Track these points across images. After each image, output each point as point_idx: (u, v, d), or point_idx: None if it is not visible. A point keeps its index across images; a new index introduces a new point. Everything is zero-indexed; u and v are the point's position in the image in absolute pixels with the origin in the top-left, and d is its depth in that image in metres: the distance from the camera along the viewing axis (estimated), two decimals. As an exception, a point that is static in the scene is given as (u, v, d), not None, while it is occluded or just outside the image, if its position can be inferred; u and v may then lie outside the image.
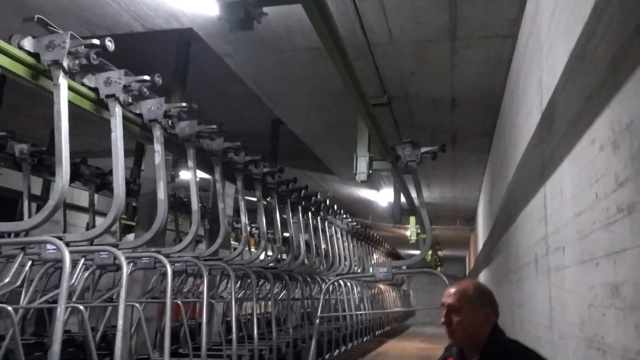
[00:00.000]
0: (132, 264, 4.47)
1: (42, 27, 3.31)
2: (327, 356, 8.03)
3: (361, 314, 10.60)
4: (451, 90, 4.89)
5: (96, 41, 3.39)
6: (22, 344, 3.30)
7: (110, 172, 7.21)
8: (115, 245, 3.94)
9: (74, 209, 8.91)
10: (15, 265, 3.23)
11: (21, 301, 4.40)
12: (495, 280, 5.95)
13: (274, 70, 4.65)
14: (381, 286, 14.86)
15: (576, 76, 1.94)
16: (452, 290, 1.81)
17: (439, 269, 20.00)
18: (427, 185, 9.02)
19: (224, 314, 7.00)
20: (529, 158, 3.13)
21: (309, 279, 7.99)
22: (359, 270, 11.45)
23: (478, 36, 3.85)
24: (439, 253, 18.06)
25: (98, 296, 6.98)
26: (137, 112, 4.38)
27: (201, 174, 5.80)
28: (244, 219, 6.16)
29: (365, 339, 10.71)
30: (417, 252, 15.24)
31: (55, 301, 3.44)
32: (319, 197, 8.54)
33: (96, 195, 7.10)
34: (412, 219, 9.55)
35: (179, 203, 8.77)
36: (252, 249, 11.51)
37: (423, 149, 5.03)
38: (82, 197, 8.69)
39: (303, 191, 7.57)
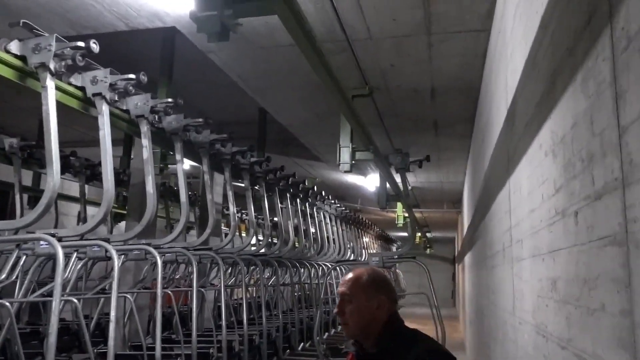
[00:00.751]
0: (123, 256, 4.61)
1: (28, 31, 3.39)
2: (317, 338, 8.27)
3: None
4: (431, 81, 5.02)
5: (81, 43, 3.49)
6: (19, 334, 3.46)
7: (100, 164, 7.32)
8: (107, 239, 4.08)
9: (65, 199, 9.01)
10: (12, 261, 3.37)
11: (16, 294, 4.54)
12: (476, 265, 6.17)
13: (258, 65, 4.75)
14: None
15: (530, 82, 2.09)
16: (346, 277, 1.73)
17: (428, 250, 20.33)
18: (412, 170, 9.18)
19: (215, 300, 7.19)
20: (498, 151, 3.29)
21: (298, 264, 8.18)
22: (350, 254, 11.70)
23: (452, 30, 3.97)
24: (428, 235, 18.31)
25: (92, 285, 7.15)
26: (124, 108, 4.49)
27: (191, 161, 5.93)
28: (232, 208, 6.31)
29: (333, 332, 10.92)
30: (406, 234, 15.44)
31: (49, 294, 3.59)
32: (306, 183, 8.70)
33: (86, 186, 7.21)
34: (399, 205, 9.74)
35: (169, 192, 8.89)
36: (243, 234, 11.70)
37: (411, 159, 5.98)
38: (72, 187, 8.79)
39: (291, 179, 7.73)
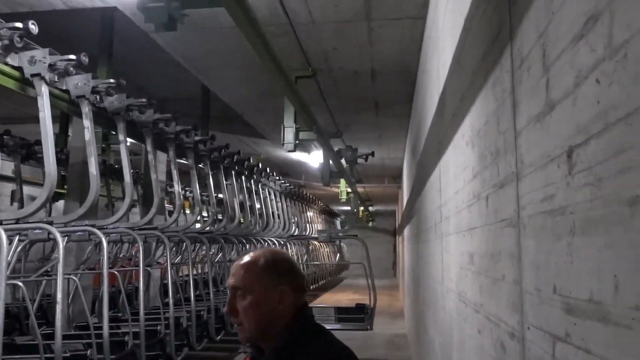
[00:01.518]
0: (66, 237, 4.59)
1: (-41, 8, 3.28)
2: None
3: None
4: (371, 63, 5.21)
5: (19, 24, 3.42)
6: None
7: (36, 143, 7.11)
8: (50, 222, 4.06)
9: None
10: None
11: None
12: (413, 238, 6.54)
13: (201, 46, 4.77)
14: (316, 243, 15.51)
15: (456, 77, 2.31)
16: (238, 264, 1.39)
17: (370, 223, 20.95)
18: (355, 147, 9.46)
19: (162, 278, 7.24)
20: (431, 134, 3.54)
21: (244, 240, 8.33)
22: (295, 229, 11.96)
23: (391, 17, 4.16)
24: (370, 209, 18.82)
25: (31, 267, 7.00)
26: (64, 88, 4.41)
27: (133, 140, 5.88)
28: (177, 187, 6.34)
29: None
30: (348, 207, 15.86)
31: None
32: (251, 161, 8.79)
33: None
34: (342, 181, 10.03)
35: (109, 170, 8.72)
36: (187, 212, 11.67)
37: (359, 153, 7.42)
38: (5, 166, 8.47)
39: (235, 156, 7.80)
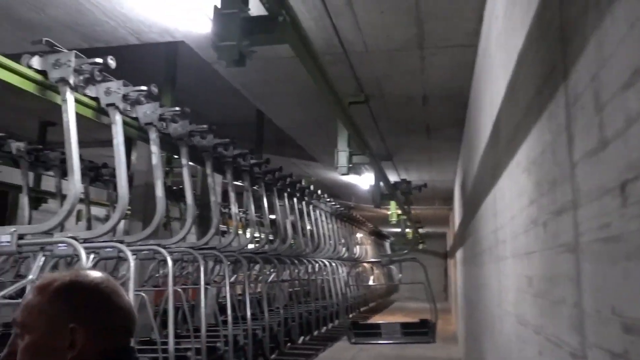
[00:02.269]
0: (134, 256, 4.88)
1: (48, 47, 3.64)
2: (315, 333, 8.60)
3: (347, 293, 11.22)
4: (422, 89, 5.33)
5: (99, 59, 3.76)
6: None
7: (103, 166, 7.57)
8: (121, 241, 4.36)
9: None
10: (37, 263, 3.64)
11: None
12: (467, 261, 6.50)
13: (259, 74, 5.03)
14: (365, 265, 15.51)
15: (510, 106, 2.39)
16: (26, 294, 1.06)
17: (420, 245, 20.72)
18: (405, 169, 9.52)
19: (217, 296, 7.48)
20: (485, 159, 3.60)
21: (296, 261, 8.50)
22: (344, 250, 12.05)
23: (442, 45, 4.28)
24: (420, 230, 18.65)
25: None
26: (133, 115, 4.76)
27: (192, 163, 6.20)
28: (234, 209, 6.61)
29: (351, 315, 11.34)
30: (398, 230, 15.77)
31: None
32: (303, 183, 9.01)
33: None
34: (393, 203, 10.08)
35: (168, 191, 9.13)
36: (240, 232, 12.01)
37: (413, 184, 8.50)
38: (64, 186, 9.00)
39: (288, 179, 8.03)
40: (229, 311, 5.36)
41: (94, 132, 8.53)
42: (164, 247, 4.94)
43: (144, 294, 4.61)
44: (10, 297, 4.23)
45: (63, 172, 7.03)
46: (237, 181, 6.78)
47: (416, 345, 8.53)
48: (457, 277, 11.37)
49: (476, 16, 3.79)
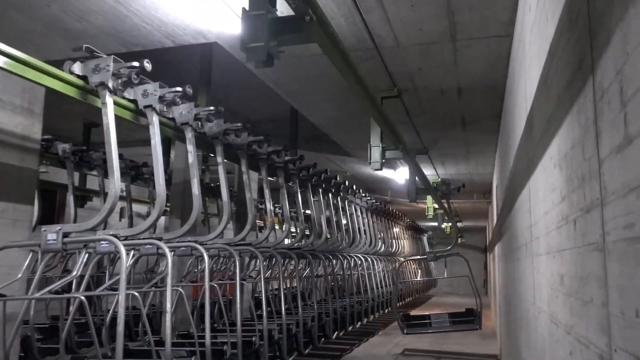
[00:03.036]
0: (172, 252, 5.01)
1: (88, 53, 3.78)
2: (350, 328, 8.61)
3: (383, 288, 11.17)
4: (457, 81, 5.24)
5: (136, 63, 3.87)
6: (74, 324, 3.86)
7: (144, 165, 7.79)
8: (159, 238, 4.48)
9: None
10: (81, 259, 3.80)
11: (73, 289, 4.98)
12: (504, 256, 6.38)
13: (292, 72, 5.06)
14: (401, 259, 15.40)
15: (543, 98, 2.33)
16: None
17: (459, 240, 20.43)
18: (442, 163, 9.39)
19: (252, 291, 7.60)
20: (520, 152, 3.52)
21: (330, 256, 8.52)
22: (381, 245, 12.00)
23: (476, 37, 4.19)
24: (459, 225, 18.38)
25: (137, 279, 7.63)
26: (170, 116, 4.87)
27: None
28: (269, 205, 6.68)
29: (387, 311, 11.29)
30: (435, 224, 15.57)
31: (113, 289, 4.01)
32: (338, 178, 9.01)
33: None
34: (429, 197, 9.98)
35: (205, 188, 9.33)
36: (276, 228, 12.12)
37: (452, 186, 8.75)
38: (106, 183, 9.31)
39: (323, 175, 8.05)
40: (264, 306, 5.43)
41: (136, 132, 8.80)
42: (201, 244, 5.05)
43: (181, 289, 4.73)
44: (57, 292, 4.44)
45: (105, 171, 7.28)
46: (272, 177, 6.85)
47: (454, 342, 8.61)
48: (495, 272, 11.16)
49: (511, 4, 3.70)
